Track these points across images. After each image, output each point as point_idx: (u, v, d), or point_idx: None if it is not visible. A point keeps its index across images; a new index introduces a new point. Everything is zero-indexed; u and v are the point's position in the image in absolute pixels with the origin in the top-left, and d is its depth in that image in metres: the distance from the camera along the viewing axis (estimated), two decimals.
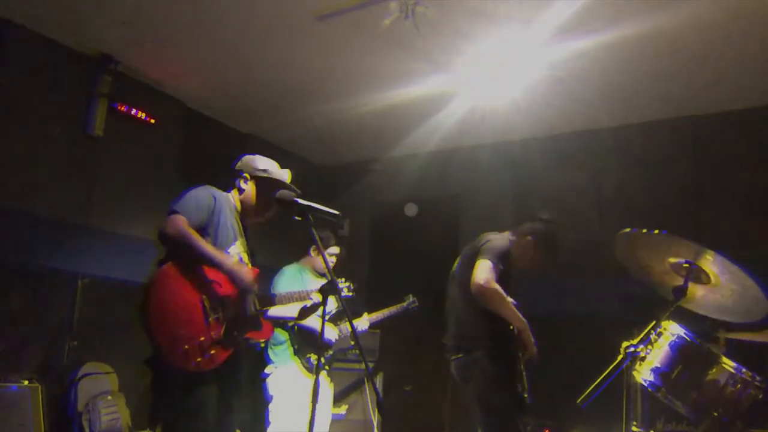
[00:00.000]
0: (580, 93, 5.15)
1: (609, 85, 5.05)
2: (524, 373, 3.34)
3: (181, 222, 2.67)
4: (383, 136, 6.44)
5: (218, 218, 2.84)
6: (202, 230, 2.78)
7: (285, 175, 3.09)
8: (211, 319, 2.69)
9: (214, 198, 2.85)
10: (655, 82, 5.00)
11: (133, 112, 5.23)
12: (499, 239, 3.41)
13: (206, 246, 2.71)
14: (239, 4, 4.21)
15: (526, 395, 3.29)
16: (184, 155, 5.68)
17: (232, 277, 2.75)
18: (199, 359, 2.61)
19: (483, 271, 3.19)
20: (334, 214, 2.72)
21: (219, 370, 2.70)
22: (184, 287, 2.66)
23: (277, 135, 6.64)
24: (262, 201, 3.03)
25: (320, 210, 2.68)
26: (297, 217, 2.67)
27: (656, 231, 2.92)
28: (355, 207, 6.99)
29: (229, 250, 2.85)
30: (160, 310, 2.59)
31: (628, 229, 3.02)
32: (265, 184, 3.02)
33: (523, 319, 3.28)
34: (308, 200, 2.69)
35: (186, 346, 2.58)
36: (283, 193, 2.73)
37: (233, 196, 3.03)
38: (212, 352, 2.66)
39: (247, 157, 3.13)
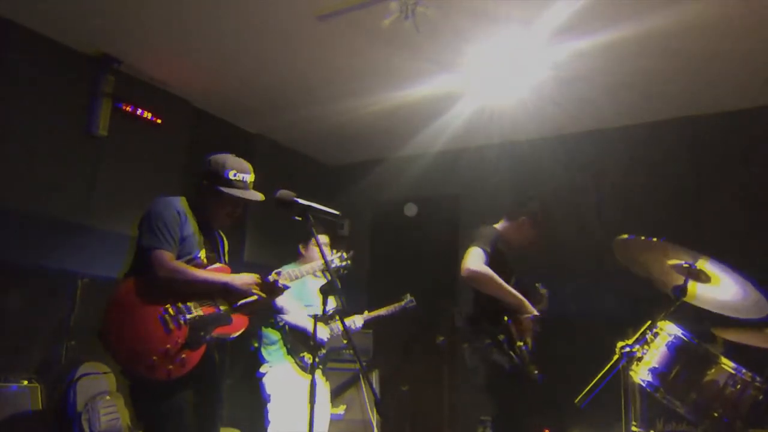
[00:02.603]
0: (580, 93, 5.14)
1: (611, 84, 5.03)
2: (531, 347, 3.38)
3: (166, 259, 2.66)
4: (389, 137, 6.43)
5: (183, 230, 2.80)
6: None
7: (248, 179, 2.93)
8: (171, 325, 2.64)
9: (178, 212, 2.81)
10: (655, 82, 4.98)
11: (139, 112, 5.21)
12: (486, 228, 3.58)
13: (199, 273, 2.72)
14: (238, 3, 4.21)
15: (535, 372, 3.32)
16: (191, 155, 5.63)
17: (232, 289, 2.76)
18: (170, 367, 2.60)
19: (470, 258, 3.35)
20: (334, 213, 2.72)
21: (194, 373, 2.68)
22: (144, 301, 2.63)
23: (284, 135, 6.64)
24: (221, 213, 2.95)
25: (320, 210, 2.68)
26: (297, 217, 2.67)
27: (655, 239, 2.93)
28: (355, 207, 6.96)
29: (198, 255, 2.84)
30: (118, 329, 2.60)
31: (625, 236, 3.03)
32: (227, 199, 2.91)
33: (519, 295, 3.38)
34: (309, 200, 2.67)
35: (154, 358, 2.57)
36: (283, 192, 2.68)
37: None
38: (183, 356, 2.64)
39: (215, 164, 2.92)
